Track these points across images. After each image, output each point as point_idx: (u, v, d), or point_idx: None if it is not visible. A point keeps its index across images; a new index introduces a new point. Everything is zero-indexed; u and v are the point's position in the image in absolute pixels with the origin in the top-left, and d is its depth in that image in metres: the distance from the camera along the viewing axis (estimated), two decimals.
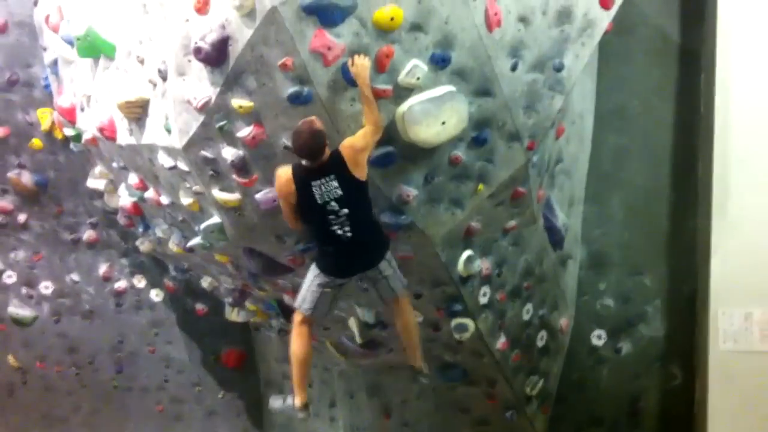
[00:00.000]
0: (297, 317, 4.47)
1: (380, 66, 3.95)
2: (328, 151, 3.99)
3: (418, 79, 4.01)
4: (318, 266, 4.38)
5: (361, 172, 4.02)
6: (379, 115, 3.96)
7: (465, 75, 4.23)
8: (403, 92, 4.05)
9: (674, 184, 6.20)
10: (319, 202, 4.04)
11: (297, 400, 4.46)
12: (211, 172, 4.47)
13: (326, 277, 4.37)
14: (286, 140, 4.19)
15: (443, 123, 4.13)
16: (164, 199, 5.14)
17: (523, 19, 4.30)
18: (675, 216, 6.22)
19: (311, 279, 4.41)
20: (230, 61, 3.96)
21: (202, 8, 3.89)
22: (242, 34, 3.86)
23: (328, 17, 3.83)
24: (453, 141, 4.32)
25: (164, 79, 4.30)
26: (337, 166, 3.99)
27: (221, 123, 4.19)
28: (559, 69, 4.58)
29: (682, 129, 6.13)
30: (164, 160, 4.66)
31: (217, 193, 4.55)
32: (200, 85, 4.11)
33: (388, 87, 4.02)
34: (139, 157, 4.97)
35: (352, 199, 4.07)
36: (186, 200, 4.85)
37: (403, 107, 4.07)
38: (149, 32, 4.33)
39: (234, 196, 4.53)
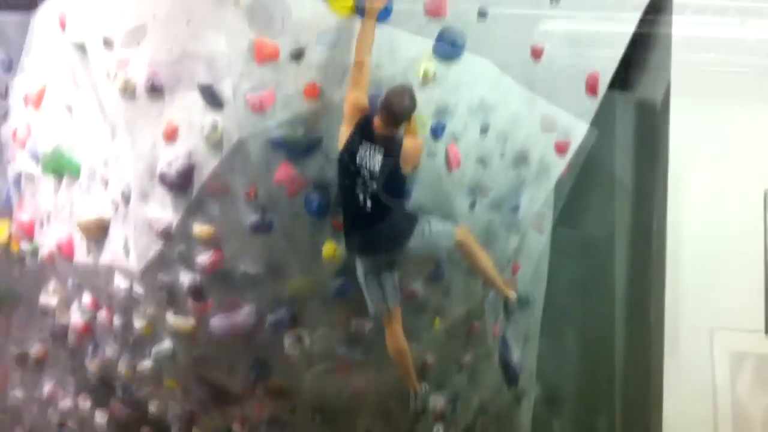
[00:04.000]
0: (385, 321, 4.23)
1: None
2: (396, 132, 3.90)
3: None
4: (346, 246, 4.12)
5: (406, 167, 3.91)
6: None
7: (425, 212, 4.33)
8: None
9: (628, 321, 6.27)
10: (357, 161, 3.85)
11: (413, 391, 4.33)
12: (166, 297, 4.42)
13: (358, 259, 4.10)
14: (244, 267, 4.21)
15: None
16: (116, 321, 5.05)
17: (482, 161, 4.46)
18: (629, 353, 6.25)
19: (360, 278, 4.15)
20: (194, 187, 4.02)
21: (171, 136, 3.98)
22: (208, 163, 3.95)
23: (293, 151, 3.94)
24: (411, 275, 4.36)
25: (127, 201, 4.33)
26: (391, 147, 3.87)
27: (181, 248, 4.20)
28: (515, 209, 4.72)
29: (635, 266, 6.27)
30: (120, 282, 4.62)
31: (172, 318, 4.49)
32: (162, 209, 4.14)
33: None
34: (95, 277, 4.92)
35: (384, 183, 3.89)
36: (139, 323, 4.77)
37: None
38: (115, 155, 4.39)
39: (188, 322, 4.47)
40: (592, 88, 4.75)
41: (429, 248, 4.22)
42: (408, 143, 3.90)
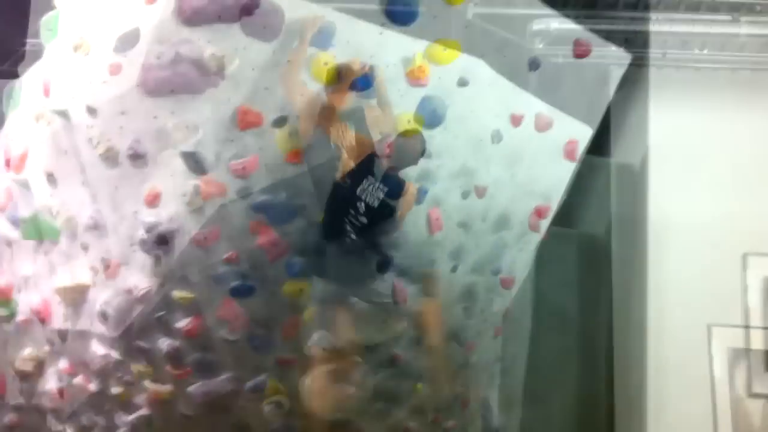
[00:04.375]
0: None
1: None
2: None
3: None
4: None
5: (402, 213, 3.97)
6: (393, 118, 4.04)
7: (406, 274, 4.34)
8: None
9: (611, 389, 6.24)
10: (356, 191, 3.87)
11: None
12: (143, 363, 4.36)
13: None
14: (224, 333, 4.17)
15: (384, 321, 4.17)
16: (93, 387, 4.96)
17: (464, 225, 4.49)
18: (612, 422, 6.21)
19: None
20: (174, 252, 4.00)
21: (152, 201, 3.97)
22: (189, 228, 3.94)
23: (275, 216, 3.95)
24: (393, 339, 4.34)
25: (106, 267, 4.30)
26: (396, 188, 3.91)
27: (160, 313, 4.16)
28: (497, 273, 4.74)
29: (617, 334, 6.27)
30: (97, 348, 4.54)
31: (149, 384, 4.42)
32: (142, 275, 4.11)
33: None
34: (72, 343, 4.84)
35: (377, 220, 3.92)
36: (115, 390, 4.68)
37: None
38: (96, 220, 4.37)
39: (166, 388, 4.39)
40: (570, 154, 4.82)
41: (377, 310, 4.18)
42: (408, 190, 3.98)
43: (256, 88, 3.73)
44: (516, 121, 4.51)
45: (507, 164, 4.56)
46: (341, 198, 3.90)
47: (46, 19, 4.32)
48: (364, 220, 3.89)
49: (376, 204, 3.88)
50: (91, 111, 4.00)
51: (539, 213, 4.83)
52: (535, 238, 4.91)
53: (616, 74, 4.92)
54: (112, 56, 3.82)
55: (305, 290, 4.11)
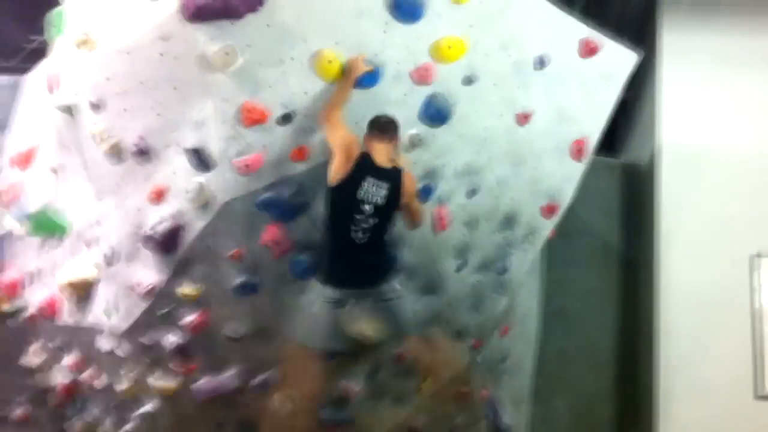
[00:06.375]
0: (294, 353, 4.04)
1: None
2: (398, 161, 3.92)
3: None
4: (319, 278, 3.97)
5: (403, 198, 3.93)
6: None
7: (412, 273, 4.34)
8: None
9: (618, 388, 6.23)
10: (359, 197, 3.81)
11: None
12: (149, 360, 4.37)
13: (331, 290, 3.93)
14: (230, 328, 4.18)
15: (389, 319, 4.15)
16: (99, 383, 4.98)
17: (469, 224, 4.48)
18: (619, 420, 6.19)
19: (313, 300, 3.97)
20: (179, 250, 4.01)
21: (157, 198, 3.98)
22: (194, 225, 3.95)
23: (280, 213, 3.95)
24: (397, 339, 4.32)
25: (111, 263, 4.31)
26: (394, 179, 3.88)
27: (165, 310, 4.17)
28: (502, 272, 4.73)
29: (624, 334, 6.25)
30: (103, 344, 4.57)
31: (155, 381, 4.43)
32: (147, 271, 4.12)
33: None
34: (78, 338, 4.87)
35: (385, 216, 3.89)
36: (121, 386, 4.70)
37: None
38: (100, 217, 4.39)
39: (171, 384, 4.41)
40: (578, 153, 4.79)
41: (391, 308, 4.05)
42: (406, 175, 3.94)
43: (261, 84, 3.72)
44: (522, 120, 4.48)
45: (513, 163, 4.53)
46: (342, 205, 3.87)
47: (51, 16, 4.33)
48: (373, 221, 3.86)
49: (381, 202, 3.85)
50: (95, 107, 4.01)
51: (547, 211, 4.79)
52: (542, 238, 4.88)
53: (624, 72, 4.88)
54: (116, 52, 3.83)
55: None
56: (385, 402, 4.58)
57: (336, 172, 3.78)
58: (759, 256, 5.35)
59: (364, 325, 4.04)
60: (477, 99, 4.25)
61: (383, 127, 3.89)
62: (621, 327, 6.29)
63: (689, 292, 5.50)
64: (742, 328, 5.29)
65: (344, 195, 3.83)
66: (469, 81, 4.18)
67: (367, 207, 3.84)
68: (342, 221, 3.87)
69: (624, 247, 6.38)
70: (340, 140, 3.78)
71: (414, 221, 4.06)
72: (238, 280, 4.05)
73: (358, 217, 3.84)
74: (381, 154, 3.87)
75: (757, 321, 5.27)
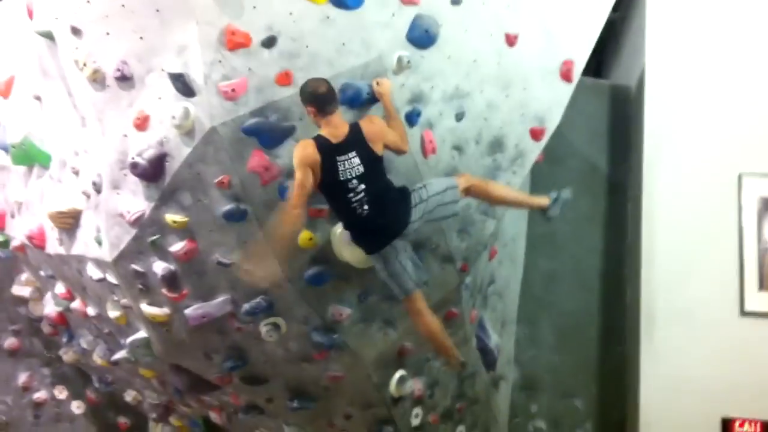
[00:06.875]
0: (413, 301, 4.19)
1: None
2: (346, 124, 3.88)
3: None
4: (368, 251, 4.12)
5: (378, 147, 3.91)
6: (404, 130, 4.03)
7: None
8: None
9: (603, 309, 6.33)
10: (341, 178, 3.84)
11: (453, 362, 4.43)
12: (140, 286, 4.39)
13: (377, 256, 4.10)
14: (219, 256, 4.18)
15: None
16: (91, 311, 5.02)
17: (458, 148, 4.45)
18: (604, 341, 6.32)
19: (383, 274, 4.12)
20: (166, 177, 3.98)
21: (141, 125, 3.93)
22: (180, 152, 3.91)
23: (267, 139, 3.91)
24: None
25: (98, 191, 4.28)
26: (357, 142, 3.86)
27: (153, 237, 4.17)
28: None
29: (610, 256, 6.32)
30: (93, 272, 4.58)
31: (146, 308, 4.46)
32: (134, 199, 4.10)
33: (324, 207, 4.09)
34: (68, 267, 4.87)
35: (371, 175, 3.90)
36: (113, 313, 4.74)
37: (338, 227, 4.13)
38: (86, 144, 4.33)
39: (163, 311, 4.44)
40: (566, 74, 4.75)
41: (436, 208, 4.12)
42: (364, 124, 3.90)
43: (244, 6, 3.63)
44: (511, 40, 4.42)
45: (501, 86, 4.49)
46: (334, 197, 3.93)
47: None
48: (365, 187, 3.86)
49: (361, 169, 3.85)
50: (76, 32, 3.91)
51: (534, 135, 4.77)
52: (530, 161, 4.87)
53: None
54: None
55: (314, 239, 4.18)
56: (375, 325, 4.64)
57: (300, 183, 3.78)
58: (745, 175, 5.37)
59: (356, 249, 4.10)
60: (465, 19, 4.17)
61: (321, 102, 3.78)
62: (608, 249, 6.34)
63: (675, 213, 5.53)
64: (728, 248, 5.35)
65: (330, 190, 3.91)
66: (456, 1, 4.10)
67: (353, 183, 3.85)
68: (344, 208, 3.93)
69: (611, 170, 6.39)
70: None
71: (399, 151, 4.04)
72: (226, 207, 4.03)
73: (351, 196, 3.87)
74: (332, 127, 3.83)
75: (743, 240, 5.33)
